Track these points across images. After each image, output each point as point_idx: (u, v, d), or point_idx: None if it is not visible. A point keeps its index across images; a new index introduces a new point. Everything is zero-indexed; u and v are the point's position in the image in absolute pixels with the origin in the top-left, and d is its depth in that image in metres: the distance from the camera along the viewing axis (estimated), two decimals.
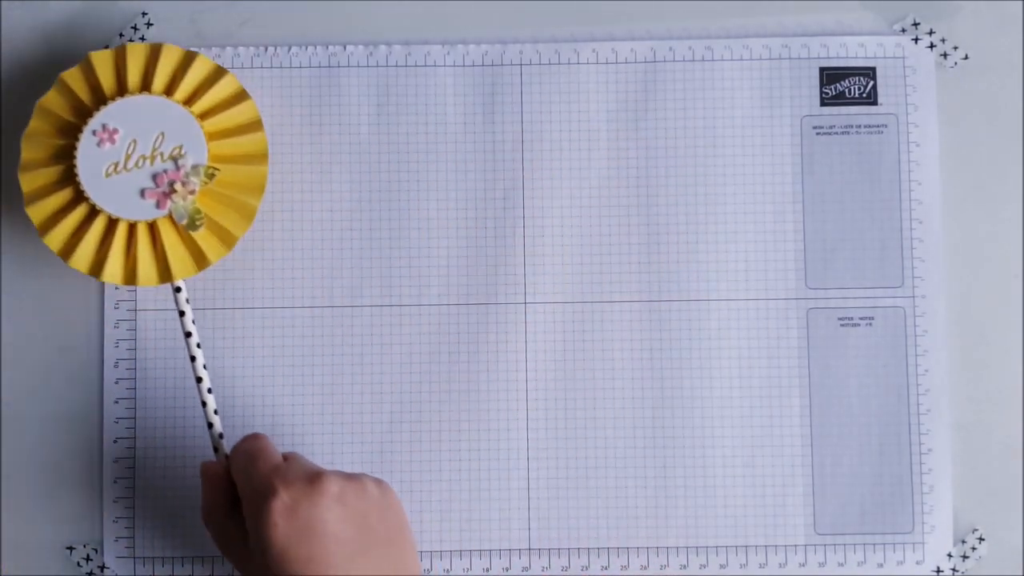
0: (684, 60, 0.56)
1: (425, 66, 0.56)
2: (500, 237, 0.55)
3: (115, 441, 0.55)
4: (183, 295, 0.51)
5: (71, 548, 0.55)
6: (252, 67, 0.56)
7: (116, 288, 0.55)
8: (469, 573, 0.54)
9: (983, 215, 0.56)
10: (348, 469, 0.54)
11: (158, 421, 0.55)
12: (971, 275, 0.56)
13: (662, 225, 0.56)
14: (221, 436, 0.51)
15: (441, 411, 0.55)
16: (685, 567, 0.54)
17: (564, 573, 0.54)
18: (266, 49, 0.56)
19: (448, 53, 0.56)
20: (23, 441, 0.55)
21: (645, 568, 0.54)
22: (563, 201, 0.56)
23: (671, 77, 0.56)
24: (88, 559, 0.54)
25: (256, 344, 0.55)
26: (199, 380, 0.51)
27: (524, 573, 0.54)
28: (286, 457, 0.48)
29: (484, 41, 0.56)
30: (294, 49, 0.56)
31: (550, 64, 0.56)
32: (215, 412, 0.51)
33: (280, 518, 0.45)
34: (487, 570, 0.54)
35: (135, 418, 0.55)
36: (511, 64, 0.56)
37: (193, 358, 0.51)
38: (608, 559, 0.55)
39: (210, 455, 0.54)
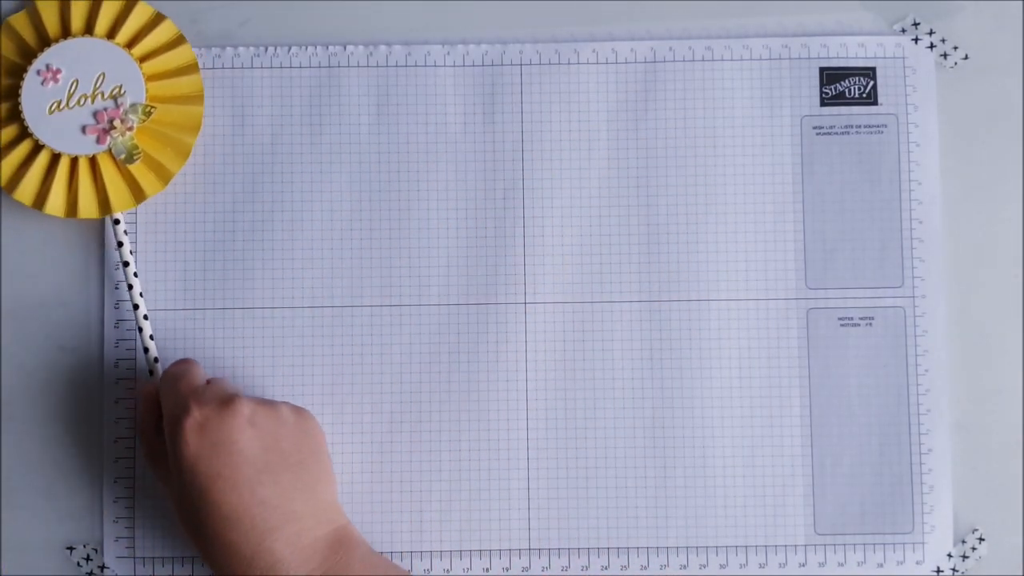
0: (684, 60, 0.56)
1: (425, 66, 0.56)
2: (500, 237, 0.55)
3: (115, 441, 0.55)
4: (121, 227, 0.54)
5: (71, 548, 0.55)
6: (252, 67, 0.56)
7: (116, 288, 0.55)
8: (469, 573, 0.54)
9: (983, 215, 0.56)
10: (348, 469, 0.54)
11: None
12: (971, 275, 0.56)
13: (662, 225, 0.56)
14: (156, 360, 0.53)
15: (441, 411, 0.55)
16: (685, 567, 0.54)
17: (564, 573, 0.54)
18: (266, 49, 0.56)
19: (448, 53, 0.56)
20: (23, 441, 0.55)
21: (645, 568, 0.54)
22: (563, 201, 0.56)
23: (671, 77, 0.56)
24: (88, 559, 0.54)
25: (256, 344, 0.55)
26: (136, 307, 0.54)
27: (524, 573, 0.54)
28: (211, 381, 0.50)
29: (484, 41, 0.56)
30: (294, 49, 0.56)
31: (550, 64, 0.56)
32: (151, 337, 0.53)
33: (191, 435, 0.47)
34: (487, 570, 0.54)
35: (135, 418, 0.55)
36: (511, 64, 0.56)
37: (130, 286, 0.54)
38: (608, 559, 0.55)
39: None
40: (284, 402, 0.50)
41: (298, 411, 0.50)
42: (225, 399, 0.48)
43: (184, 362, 0.51)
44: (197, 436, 0.47)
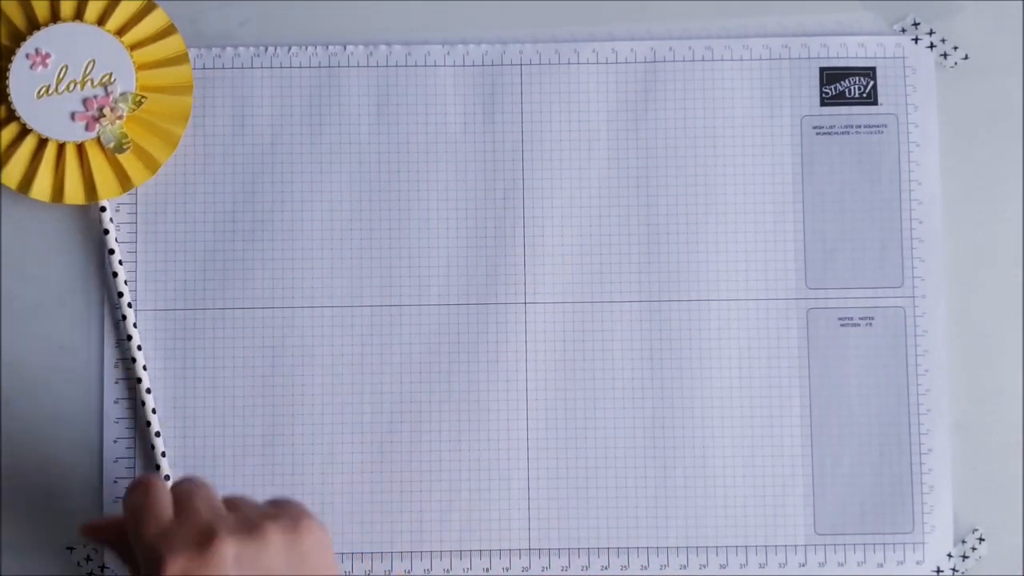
0: (684, 60, 0.56)
1: (425, 66, 0.56)
2: (500, 237, 0.55)
3: (115, 441, 0.55)
4: (107, 215, 0.54)
5: (71, 548, 0.55)
6: (252, 67, 0.56)
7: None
8: (469, 573, 0.54)
9: (983, 215, 0.56)
10: (348, 469, 0.54)
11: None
12: (971, 275, 0.56)
13: (662, 225, 0.55)
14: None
15: (441, 411, 0.55)
16: (685, 567, 0.54)
17: (564, 573, 0.54)
18: (266, 49, 0.56)
19: (448, 53, 0.56)
20: (23, 441, 0.55)
21: (645, 568, 0.54)
22: (563, 201, 0.56)
23: (671, 77, 0.56)
24: (88, 559, 0.54)
25: (256, 344, 0.55)
26: (120, 295, 0.54)
27: (524, 573, 0.54)
28: (180, 503, 0.43)
29: (484, 41, 0.56)
30: (294, 49, 0.56)
31: (550, 64, 0.56)
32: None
33: None
34: (487, 570, 0.54)
35: (135, 418, 0.55)
36: (511, 64, 0.56)
37: (115, 274, 0.54)
38: (608, 559, 0.55)
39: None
40: (274, 519, 0.43)
41: (291, 530, 0.43)
42: (201, 540, 0.41)
43: (143, 485, 0.44)
44: None
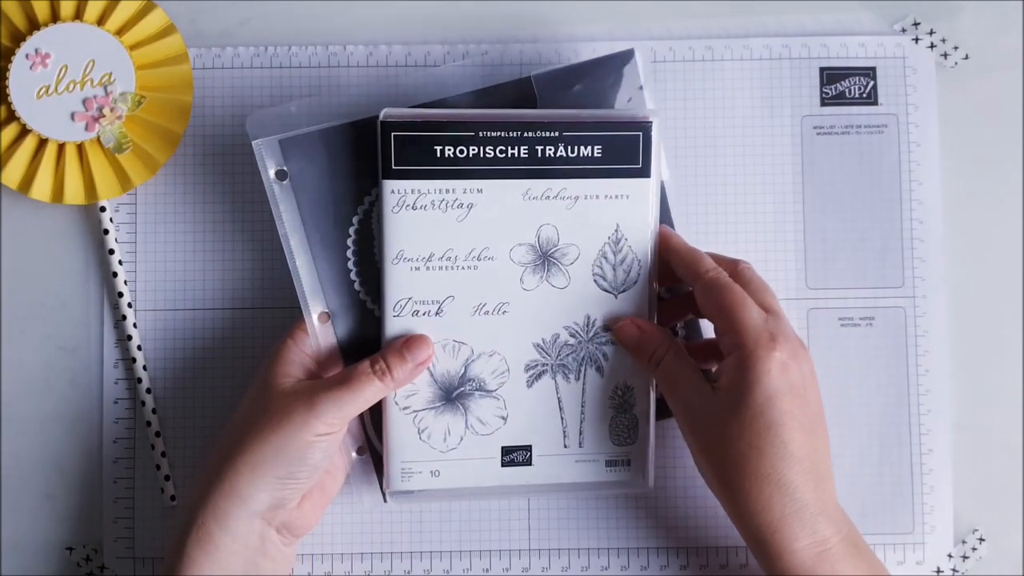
0: (684, 60, 0.56)
1: (425, 66, 0.56)
2: None
3: (115, 441, 0.55)
4: (107, 214, 0.54)
5: (71, 548, 0.55)
6: (252, 67, 0.56)
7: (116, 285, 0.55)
8: (469, 573, 0.54)
9: (983, 215, 0.56)
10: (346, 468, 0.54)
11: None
12: (971, 275, 0.56)
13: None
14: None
15: None
16: (685, 567, 0.54)
17: (564, 573, 0.54)
18: (266, 49, 0.56)
19: (448, 53, 0.56)
20: (23, 441, 0.55)
21: (645, 568, 0.54)
22: None
23: (671, 77, 0.56)
24: (88, 559, 0.54)
25: (256, 344, 0.55)
26: (120, 295, 0.55)
27: (524, 573, 0.54)
28: (768, 308, 0.49)
29: (484, 41, 0.56)
30: (294, 49, 0.56)
31: (550, 64, 0.56)
32: (133, 326, 0.54)
33: (776, 371, 0.47)
34: (487, 570, 0.54)
35: (135, 418, 0.55)
36: (511, 64, 0.56)
37: (115, 274, 0.54)
38: (608, 559, 0.55)
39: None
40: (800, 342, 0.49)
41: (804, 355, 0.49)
42: (799, 341, 0.48)
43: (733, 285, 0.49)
44: (781, 374, 0.47)
